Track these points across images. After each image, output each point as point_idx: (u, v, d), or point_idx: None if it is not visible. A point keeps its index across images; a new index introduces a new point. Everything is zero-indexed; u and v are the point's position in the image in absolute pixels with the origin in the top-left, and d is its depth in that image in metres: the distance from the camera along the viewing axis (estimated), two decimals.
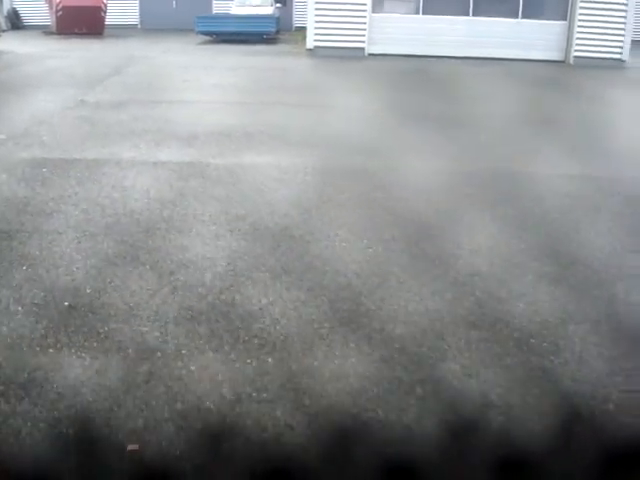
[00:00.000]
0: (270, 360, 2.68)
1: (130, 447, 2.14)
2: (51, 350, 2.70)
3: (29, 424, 2.22)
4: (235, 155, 5.92)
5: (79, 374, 2.52)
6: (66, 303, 3.10)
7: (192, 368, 2.60)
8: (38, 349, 2.70)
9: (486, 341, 2.84)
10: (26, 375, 2.51)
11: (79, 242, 3.83)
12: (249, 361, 2.66)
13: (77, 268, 3.48)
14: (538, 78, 12.65)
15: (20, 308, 3.04)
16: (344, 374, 2.58)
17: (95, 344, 2.76)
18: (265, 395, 2.45)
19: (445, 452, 2.15)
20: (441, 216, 4.48)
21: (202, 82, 10.38)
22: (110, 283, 3.32)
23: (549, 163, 5.95)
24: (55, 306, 3.07)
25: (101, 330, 2.87)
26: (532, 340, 2.86)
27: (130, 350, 2.72)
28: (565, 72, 14.01)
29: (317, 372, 2.59)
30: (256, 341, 2.82)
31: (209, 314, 3.03)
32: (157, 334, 2.85)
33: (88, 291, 3.23)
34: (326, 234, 4.05)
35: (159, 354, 2.69)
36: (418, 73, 12.61)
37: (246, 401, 2.40)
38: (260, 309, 3.10)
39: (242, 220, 4.25)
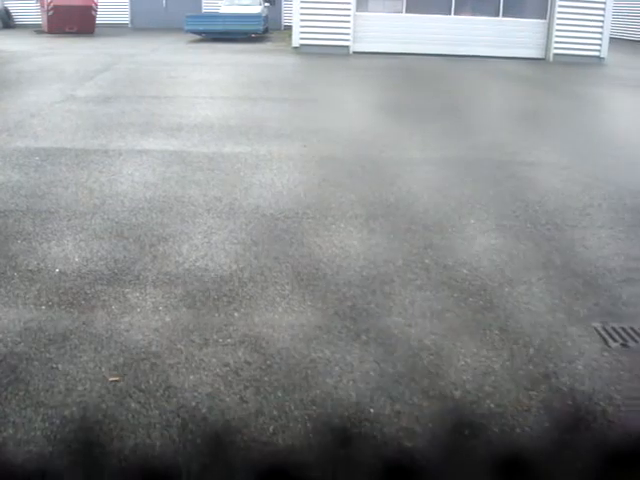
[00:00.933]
0: (236, 314, 3.08)
1: (111, 379, 2.53)
2: (43, 307, 3.09)
3: None
4: (215, 145, 6.31)
5: (67, 325, 2.92)
6: (57, 270, 3.49)
7: (167, 320, 3.00)
8: (32, 307, 3.08)
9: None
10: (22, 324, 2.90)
11: (69, 220, 4.21)
12: (217, 315, 3.06)
13: (67, 241, 3.87)
14: (514, 74, 13.07)
15: (16, 274, 3.42)
16: (299, 324, 2.98)
17: (82, 302, 3.15)
18: (229, 340, 2.84)
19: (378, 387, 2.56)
20: (396, 194, 4.88)
21: (188, 78, 10.76)
22: (97, 253, 3.71)
23: (498, 150, 6.36)
24: (47, 272, 3.45)
25: (88, 291, 3.26)
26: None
27: (113, 307, 3.11)
28: (542, 69, 14.43)
29: (276, 323, 2.99)
30: (225, 299, 3.22)
31: (184, 277, 3.43)
32: (137, 294, 3.25)
33: (77, 260, 3.62)
34: (294, 212, 4.44)
35: (139, 310, 3.09)
36: (399, 70, 13.03)
37: (212, 345, 2.80)
38: (230, 274, 3.49)
39: (219, 201, 4.64)
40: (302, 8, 14.92)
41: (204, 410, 2.34)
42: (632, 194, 5.11)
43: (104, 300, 3.17)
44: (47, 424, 2.22)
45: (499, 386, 2.54)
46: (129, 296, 3.21)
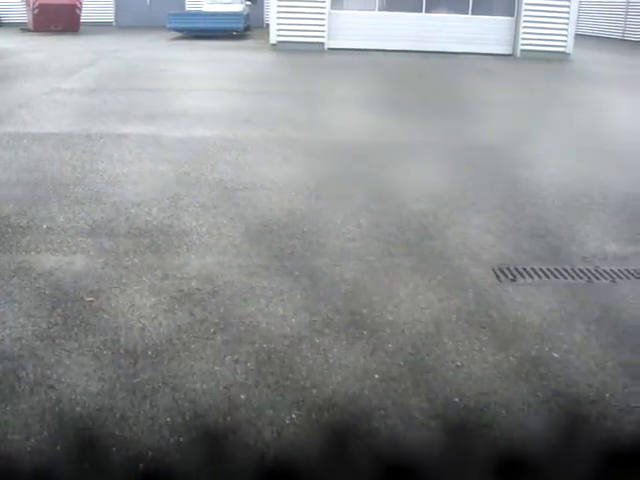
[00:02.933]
0: (193, 257, 3.74)
1: (88, 299, 3.19)
2: (32, 252, 3.74)
3: None
4: (188, 130, 6.96)
5: (52, 265, 3.57)
6: (44, 226, 4.13)
7: (135, 261, 3.65)
8: (23, 253, 3.73)
9: None
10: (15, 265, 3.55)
11: (54, 189, 4.85)
12: (177, 258, 3.72)
13: (52, 205, 4.51)
14: (480, 69, 13.77)
15: (10, 229, 4.07)
16: (246, 264, 3.64)
17: (65, 249, 3.80)
18: (185, 275, 3.51)
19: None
20: (346, 169, 5.56)
21: (168, 73, 11.39)
22: (78, 214, 4.35)
23: (438, 136, 7.05)
24: (36, 228, 4.10)
25: (70, 241, 3.91)
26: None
27: (91, 252, 3.77)
28: (509, 64, 15.15)
29: (226, 264, 3.65)
30: (185, 247, 3.87)
31: (152, 232, 4.08)
32: (111, 243, 3.90)
33: (61, 219, 4.26)
34: (252, 184, 5.11)
35: (112, 254, 3.74)
36: (370, 65, 13.70)
37: (171, 278, 3.46)
38: (191, 229, 4.15)
39: (187, 175, 5.30)
40: (279, 6, 15.57)
41: (160, 319, 3.00)
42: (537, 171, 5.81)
43: (83, 247, 3.82)
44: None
45: (400, 306, 3.21)
46: (104, 244, 3.87)
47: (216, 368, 2.59)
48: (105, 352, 2.70)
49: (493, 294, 3.41)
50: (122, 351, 2.71)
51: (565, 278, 3.72)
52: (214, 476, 2.02)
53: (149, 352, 2.70)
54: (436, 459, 2.13)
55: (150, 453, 2.09)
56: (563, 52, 16.85)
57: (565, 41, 16.87)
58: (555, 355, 2.83)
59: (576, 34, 28.68)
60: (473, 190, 5.13)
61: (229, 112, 7.96)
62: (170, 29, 18.39)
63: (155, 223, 4.21)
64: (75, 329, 2.88)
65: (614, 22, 29.35)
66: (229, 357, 2.69)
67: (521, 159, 6.17)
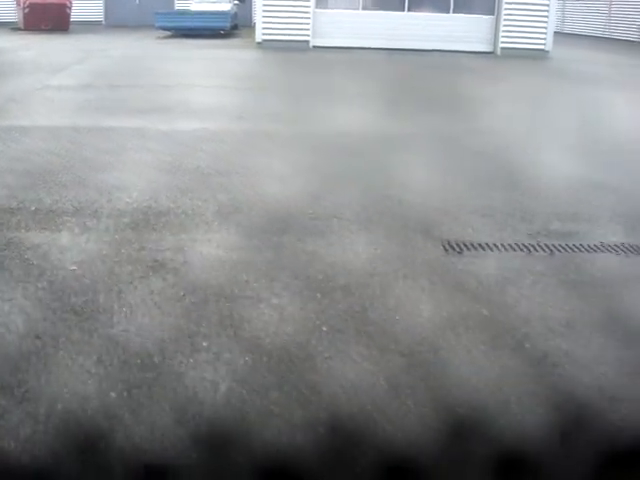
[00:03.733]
0: (168, 234, 4.11)
1: (71, 267, 3.56)
2: (22, 230, 4.11)
3: None
4: (172, 123, 7.33)
5: (40, 240, 3.94)
6: (33, 208, 4.50)
7: (115, 237, 4.03)
8: (14, 230, 4.10)
9: None
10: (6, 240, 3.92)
11: (42, 176, 5.21)
12: (154, 234, 4.09)
13: (40, 190, 4.87)
14: (461, 66, 14.18)
15: (0, 211, 4.44)
16: (215, 239, 4.02)
17: (52, 227, 4.17)
18: (160, 248, 3.88)
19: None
20: (314, 157, 5.95)
21: (155, 70, 11.76)
22: (64, 197, 4.71)
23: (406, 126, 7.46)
24: (25, 209, 4.47)
25: (57, 220, 4.28)
26: None
27: (75, 230, 4.14)
28: (488, 62, 15.56)
29: (198, 239, 4.03)
30: (161, 225, 4.24)
31: (131, 212, 4.45)
32: (94, 222, 4.27)
33: (48, 201, 4.63)
34: (227, 170, 5.49)
35: (94, 231, 4.12)
36: (353, 63, 14.09)
37: (147, 250, 3.83)
38: (167, 210, 4.52)
39: (167, 163, 5.67)
40: (264, 5, 15.93)
41: (135, 284, 3.38)
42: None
43: (68, 226, 4.19)
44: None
45: (354, 272, 3.60)
46: (88, 223, 4.24)
47: (181, 321, 2.97)
48: (85, 310, 3.07)
49: (439, 263, 3.79)
50: (100, 309, 3.08)
51: (507, 251, 4.10)
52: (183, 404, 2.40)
53: (123, 309, 3.07)
54: (367, 386, 2.51)
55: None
56: (542, 50, 17.26)
57: (544, 39, 17.29)
58: (485, 313, 3.22)
59: (561, 32, 29.24)
60: (428, 175, 5.53)
61: (212, 107, 8.33)
62: (158, 28, 18.71)
63: (135, 205, 4.58)
64: (60, 293, 3.25)
65: (598, 20, 29.79)
66: (195, 313, 3.06)
67: (476, 147, 6.57)
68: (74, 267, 3.53)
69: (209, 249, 3.85)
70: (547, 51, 17.26)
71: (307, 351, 2.75)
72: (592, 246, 4.16)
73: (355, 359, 2.71)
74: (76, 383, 2.46)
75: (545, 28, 17.36)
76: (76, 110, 7.89)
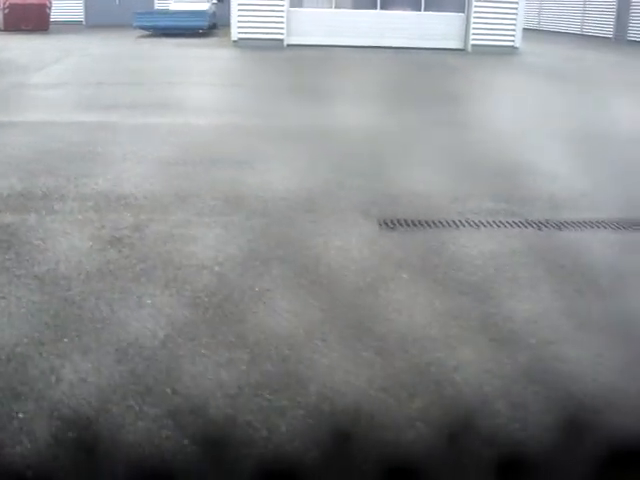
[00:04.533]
0: (128, 214, 4.52)
1: (36, 242, 3.96)
2: None
3: None
4: (142, 118, 7.73)
5: (10, 220, 4.34)
6: (5, 194, 4.90)
7: (79, 217, 4.43)
8: None
9: None
10: None
11: (15, 165, 5.60)
12: (114, 215, 4.49)
13: (12, 177, 5.26)
14: (431, 63, 14.65)
15: None
16: (173, 225, 4.44)
17: (22, 210, 4.57)
18: (118, 226, 4.29)
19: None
20: (268, 148, 6.38)
21: (129, 68, 12.14)
22: (34, 184, 5.10)
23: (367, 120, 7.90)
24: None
25: (27, 204, 4.68)
26: None
27: (43, 212, 4.53)
28: (459, 58, 16.02)
29: (155, 220, 4.44)
30: (122, 207, 4.64)
31: (95, 196, 4.84)
32: (61, 205, 4.66)
33: (19, 187, 5.02)
34: (191, 160, 5.90)
35: (60, 212, 4.51)
36: (325, 60, 14.52)
37: (107, 228, 4.24)
38: (129, 194, 4.92)
39: (133, 154, 6.07)
40: (239, 4, 16.33)
41: (94, 255, 3.79)
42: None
43: (37, 209, 4.58)
44: None
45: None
46: (55, 206, 4.64)
47: (130, 284, 3.39)
48: (46, 276, 3.48)
49: (372, 236, 4.23)
50: (60, 276, 3.49)
51: (437, 227, 4.54)
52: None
53: (81, 276, 3.49)
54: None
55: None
56: (512, 46, 17.74)
57: (514, 36, 17.76)
58: (404, 276, 3.65)
59: (537, 30, 29.75)
60: (378, 162, 5.97)
61: (183, 102, 8.74)
62: (136, 27, 19.05)
63: (99, 190, 4.99)
64: (25, 262, 3.66)
65: (573, 18, 30.32)
66: (144, 278, 3.48)
67: (431, 138, 7.03)
68: (39, 242, 3.93)
69: (164, 227, 4.26)
70: (516, 47, 17.75)
71: (239, 303, 3.17)
72: (512, 222, 4.59)
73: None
74: (34, 333, 2.87)
75: (514, 25, 17.82)
76: (51, 107, 8.28)
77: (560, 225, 4.63)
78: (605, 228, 4.56)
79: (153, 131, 7.00)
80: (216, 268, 3.64)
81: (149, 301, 3.22)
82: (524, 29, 27.59)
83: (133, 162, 5.76)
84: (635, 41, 25.23)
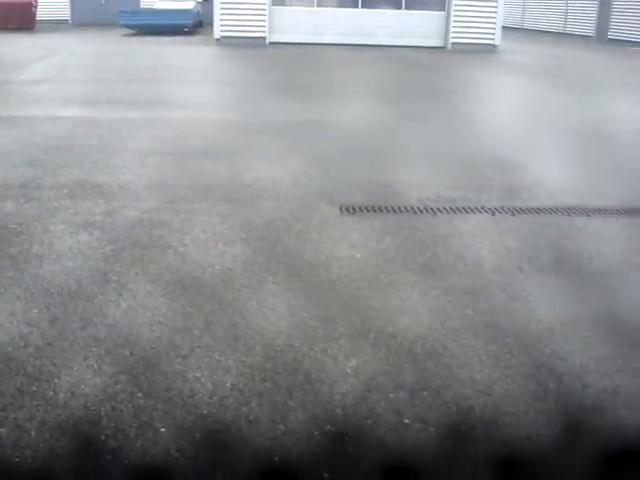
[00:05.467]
0: (101, 201, 4.76)
1: (12, 226, 4.20)
2: None
3: None
4: (121, 113, 7.97)
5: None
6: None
7: (55, 205, 4.67)
8: None
9: None
10: None
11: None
12: (88, 202, 4.74)
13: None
14: (409, 60, 14.93)
15: None
16: (143, 211, 4.68)
17: (0, 197, 4.80)
18: (93, 212, 4.53)
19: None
20: (237, 141, 6.63)
21: (113, 65, 12.36)
22: (13, 174, 5.34)
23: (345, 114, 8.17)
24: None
25: (4, 193, 4.91)
26: None
27: (21, 199, 4.77)
28: (438, 56, 16.31)
29: (127, 207, 4.68)
30: (95, 195, 4.89)
31: (71, 185, 5.07)
32: (38, 193, 4.90)
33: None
34: (161, 151, 6.14)
35: (37, 201, 4.75)
36: (306, 58, 14.78)
37: (81, 214, 4.48)
38: (103, 183, 5.17)
39: (109, 145, 6.31)
40: (222, 3, 16.56)
41: (66, 238, 4.03)
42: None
43: (15, 197, 4.81)
44: None
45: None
46: (32, 194, 4.86)
47: (99, 263, 3.64)
48: (20, 257, 3.72)
49: (332, 220, 4.49)
50: (34, 256, 3.73)
51: (396, 212, 4.80)
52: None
53: (52, 256, 3.73)
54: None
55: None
56: (491, 44, 18.06)
57: (493, 34, 18.09)
58: (357, 256, 3.91)
59: (521, 29, 30.11)
60: (344, 153, 6.24)
61: (160, 98, 8.98)
62: (121, 26, 19.24)
63: (75, 179, 5.23)
64: (0, 244, 3.89)
65: (555, 17, 30.70)
66: (112, 258, 3.72)
67: (400, 131, 7.29)
68: (15, 226, 4.16)
69: (135, 213, 4.51)
70: (496, 45, 18.06)
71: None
72: (465, 208, 4.86)
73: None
74: (6, 305, 3.11)
75: (494, 24, 18.15)
76: (33, 102, 8.49)
77: (513, 211, 4.88)
78: (556, 214, 4.83)
79: (130, 125, 7.23)
80: (180, 249, 3.89)
81: (115, 278, 3.45)
82: (508, 28, 28.04)
83: (109, 154, 5.99)
84: (616, 39, 25.62)
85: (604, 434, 2.30)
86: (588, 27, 28.39)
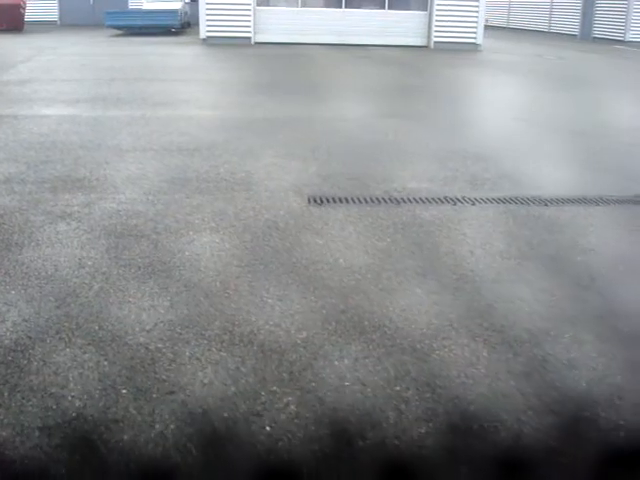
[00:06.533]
0: (80, 197, 5.00)
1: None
2: None
3: None
4: (103, 111, 8.19)
5: None
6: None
7: (36, 196, 4.91)
8: None
9: None
10: None
11: None
12: (68, 195, 4.97)
13: None
14: (390, 59, 15.19)
15: None
16: (119, 202, 4.92)
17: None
18: (71, 204, 4.77)
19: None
20: (216, 136, 6.87)
21: (98, 65, 12.57)
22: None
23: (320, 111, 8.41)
24: None
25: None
26: None
27: (3, 193, 5.01)
28: (420, 55, 16.59)
29: (105, 199, 4.92)
30: (76, 189, 5.12)
31: (53, 180, 5.30)
32: (20, 187, 5.13)
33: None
34: (142, 148, 6.37)
35: (19, 194, 4.98)
36: (290, 57, 15.02)
37: (61, 202, 4.72)
38: (84, 178, 5.40)
39: (90, 142, 6.54)
40: (207, 3, 16.79)
41: (45, 227, 4.26)
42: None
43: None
44: None
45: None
46: (15, 188, 5.08)
47: (75, 250, 3.87)
48: (1, 245, 3.95)
49: (299, 210, 4.74)
50: (14, 244, 3.97)
51: (361, 203, 5.06)
52: None
53: (32, 244, 3.96)
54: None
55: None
56: (474, 43, 18.36)
57: (475, 33, 18.38)
58: (320, 242, 4.16)
59: (507, 28, 30.42)
60: (314, 148, 6.48)
61: (143, 97, 9.21)
62: (108, 27, 19.44)
63: (57, 174, 5.46)
64: None
65: (541, 16, 31.06)
66: (87, 245, 3.96)
67: (368, 127, 7.54)
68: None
69: (112, 204, 4.75)
70: (478, 44, 18.35)
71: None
72: (429, 198, 5.12)
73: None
74: None
75: (476, 23, 18.46)
76: (18, 101, 8.71)
77: (474, 201, 5.14)
78: (515, 203, 5.09)
79: (113, 123, 7.46)
80: (153, 236, 4.13)
81: (90, 263, 3.70)
82: (494, 27, 28.33)
83: (91, 150, 6.23)
84: (599, 38, 25.98)
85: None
86: (572, 26, 28.75)
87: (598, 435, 2.28)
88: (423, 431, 2.29)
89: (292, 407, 2.40)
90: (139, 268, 3.63)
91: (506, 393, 2.51)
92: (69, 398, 2.40)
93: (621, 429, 2.31)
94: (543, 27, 31.13)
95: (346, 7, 18.04)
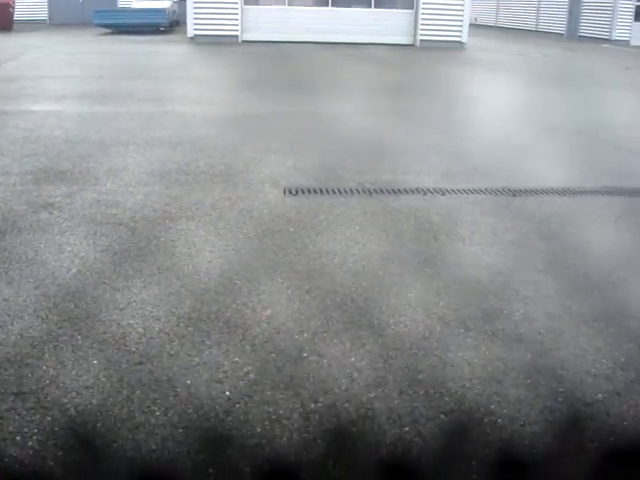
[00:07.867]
0: (62, 189, 5.17)
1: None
2: None
3: None
4: (88, 107, 8.35)
5: None
6: None
7: (20, 188, 5.07)
8: None
9: None
10: None
11: None
12: (51, 187, 5.14)
13: None
14: (376, 57, 15.38)
15: None
16: (100, 193, 5.09)
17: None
18: (53, 195, 4.94)
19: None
20: (199, 131, 7.04)
21: (85, 63, 12.72)
22: None
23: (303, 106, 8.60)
24: None
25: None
26: None
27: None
28: (405, 53, 16.79)
29: (87, 190, 5.09)
30: (58, 181, 5.29)
31: (36, 172, 5.47)
32: (5, 178, 5.30)
33: None
34: (126, 142, 6.54)
35: (2, 187, 5.15)
36: (276, 55, 15.19)
37: (51, 192, 4.89)
38: (66, 170, 5.57)
39: (75, 137, 6.69)
40: (195, 2, 16.94)
41: (27, 216, 4.43)
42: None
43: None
44: None
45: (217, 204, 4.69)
46: (1, 180, 5.27)
47: (55, 237, 4.05)
48: None
49: (274, 200, 4.92)
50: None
51: (335, 194, 5.24)
52: None
53: (14, 231, 4.13)
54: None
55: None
56: (459, 41, 18.57)
57: (460, 31, 18.59)
58: (291, 229, 4.35)
59: (495, 27, 30.65)
60: (294, 142, 6.67)
61: (128, 93, 9.37)
62: (96, 25, 19.56)
63: (40, 167, 5.62)
64: None
65: (528, 15, 31.33)
66: (68, 232, 4.14)
67: (351, 124, 7.74)
68: None
69: (93, 195, 4.92)
70: (463, 43, 18.57)
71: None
72: (400, 189, 5.31)
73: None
74: None
75: (461, 22, 18.68)
76: (5, 98, 8.87)
77: (444, 191, 5.34)
78: (485, 194, 5.29)
79: (98, 118, 7.63)
80: (131, 224, 4.31)
81: (69, 248, 3.87)
82: (482, 26, 28.56)
83: (74, 144, 6.39)
84: (585, 37, 26.26)
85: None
86: (559, 25, 29.02)
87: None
88: (372, 395, 2.48)
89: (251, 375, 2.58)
90: (115, 253, 3.80)
91: None
92: (42, 370, 2.57)
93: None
94: (531, 26, 31.41)
95: (333, 6, 18.22)
